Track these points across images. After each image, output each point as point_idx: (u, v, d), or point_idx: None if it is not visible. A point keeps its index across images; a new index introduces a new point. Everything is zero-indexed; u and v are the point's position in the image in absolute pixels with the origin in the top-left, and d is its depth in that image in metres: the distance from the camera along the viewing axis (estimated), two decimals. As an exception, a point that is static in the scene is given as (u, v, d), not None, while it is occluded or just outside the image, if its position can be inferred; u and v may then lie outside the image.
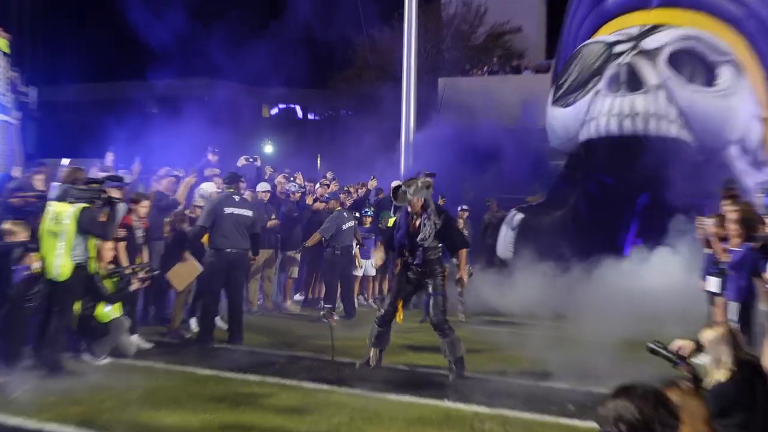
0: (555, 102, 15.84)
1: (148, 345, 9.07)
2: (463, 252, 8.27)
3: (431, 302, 7.95)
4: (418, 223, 7.94)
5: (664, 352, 4.29)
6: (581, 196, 15.14)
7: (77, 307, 8.16)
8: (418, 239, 7.94)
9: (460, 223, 14.36)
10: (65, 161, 11.56)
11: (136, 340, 8.94)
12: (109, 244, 8.53)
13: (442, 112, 20.78)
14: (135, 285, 8.69)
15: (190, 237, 9.79)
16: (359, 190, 12.91)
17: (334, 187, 12.61)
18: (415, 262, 8.01)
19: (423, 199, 7.96)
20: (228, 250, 9.37)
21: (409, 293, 8.31)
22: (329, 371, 8.04)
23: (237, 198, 9.65)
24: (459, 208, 14.74)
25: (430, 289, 7.99)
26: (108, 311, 8.27)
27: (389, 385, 7.47)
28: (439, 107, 21.69)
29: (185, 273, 9.49)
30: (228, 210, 9.44)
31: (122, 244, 8.94)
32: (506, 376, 8.13)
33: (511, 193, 17.11)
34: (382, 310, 8.28)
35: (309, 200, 12.33)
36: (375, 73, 27.90)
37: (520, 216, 14.98)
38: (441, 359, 8.43)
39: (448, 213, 8.23)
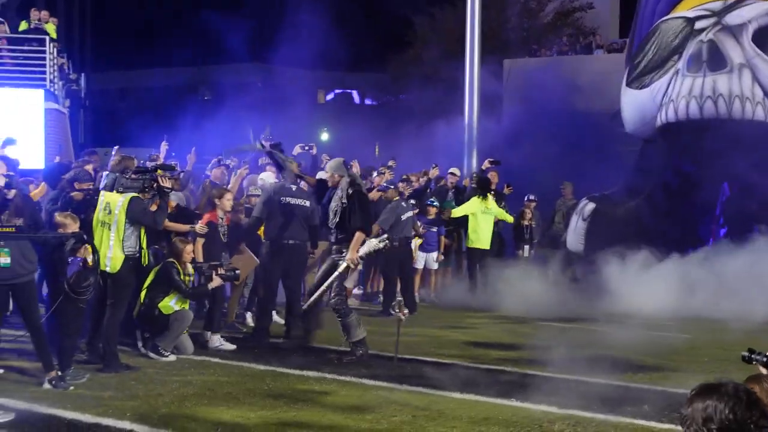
0: (629, 83, 15.62)
1: (230, 346, 9.13)
2: (358, 235, 8.29)
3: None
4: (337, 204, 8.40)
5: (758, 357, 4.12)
6: (658, 184, 14.93)
7: (142, 296, 8.42)
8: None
9: (528, 214, 14.27)
10: (115, 149, 11.84)
11: (217, 341, 9.10)
12: (190, 245, 8.77)
13: (507, 95, 20.64)
14: (215, 283, 8.87)
15: (246, 229, 9.93)
16: (420, 179, 12.94)
17: (388, 176, 12.63)
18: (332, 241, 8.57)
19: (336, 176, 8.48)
20: (286, 242, 9.45)
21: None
22: (390, 368, 8.13)
23: (294, 187, 9.70)
24: (526, 198, 14.68)
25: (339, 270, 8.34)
26: (173, 305, 8.50)
27: (453, 383, 7.52)
28: (503, 90, 21.55)
29: (242, 266, 9.66)
30: (285, 200, 9.51)
31: (199, 241, 9.10)
32: (577, 375, 8.09)
33: (580, 180, 16.92)
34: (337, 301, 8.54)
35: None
36: (436, 55, 27.84)
37: (591, 206, 14.81)
38: (508, 357, 8.49)
39: (359, 189, 8.53)
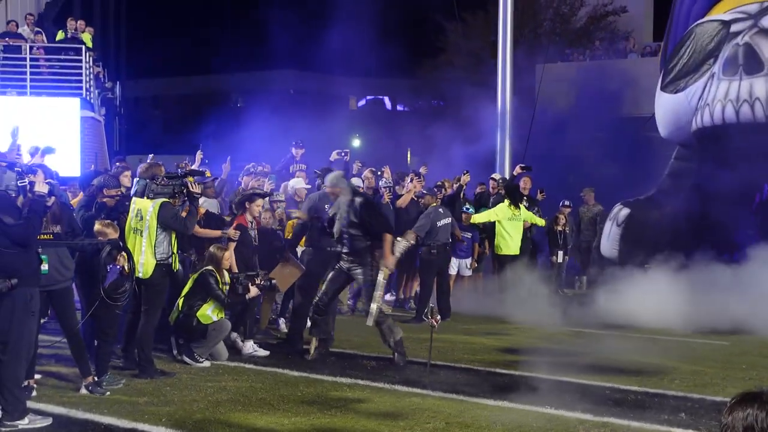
0: (664, 87, 15.50)
1: (264, 352, 9.19)
2: (388, 237, 8.53)
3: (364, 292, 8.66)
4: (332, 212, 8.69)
5: None
6: (693, 190, 14.78)
7: (180, 304, 8.50)
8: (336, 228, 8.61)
9: (561, 219, 14.21)
10: (150, 157, 11.98)
11: (250, 347, 9.17)
12: (228, 252, 8.87)
13: (540, 100, 20.55)
14: (253, 292, 8.95)
15: (293, 236, 10.04)
16: (453, 185, 12.92)
17: (418, 185, 12.55)
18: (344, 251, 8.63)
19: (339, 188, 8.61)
20: (329, 249, 9.54)
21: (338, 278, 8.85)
22: (423, 374, 8.11)
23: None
24: (561, 204, 14.60)
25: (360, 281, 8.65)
26: (210, 314, 8.57)
27: (487, 390, 7.51)
28: (536, 95, 21.49)
29: (288, 274, 9.72)
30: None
31: (231, 246, 9.17)
32: (613, 382, 8.03)
33: (616, 187, 16.79)
34: (321, 299, 8.79)
35: (387, 196, 12.33)
36: (468, 61, 27.81)
37: (626, 211, 14.71)
38: (543, 364, 8.46)
39: (366, 197, 8.84)
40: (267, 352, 9.16)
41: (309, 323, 9.32)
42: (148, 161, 11.19)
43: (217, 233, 9.17)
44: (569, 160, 18.58)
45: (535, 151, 17.28)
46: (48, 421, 6.38)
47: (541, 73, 20.80)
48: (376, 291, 8.49)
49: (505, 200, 12.45)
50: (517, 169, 13.79)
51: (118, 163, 11.01)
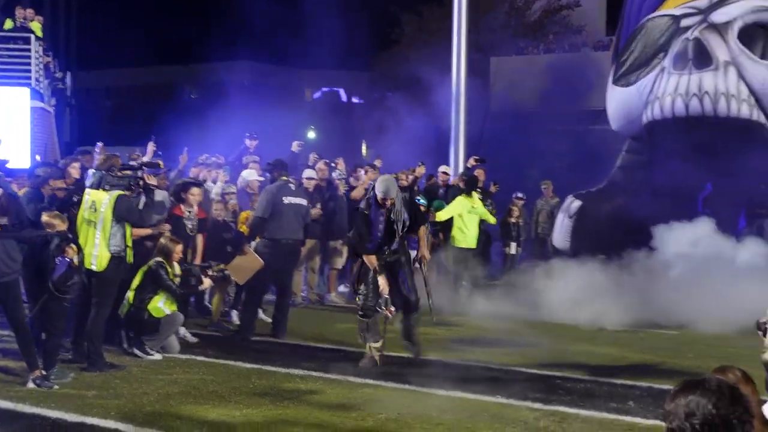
0: (616, 81, 15.69)
1: (193, 339, 9.29)
2: (423, 230, 8.90)
3: (405, 280, 8.47)
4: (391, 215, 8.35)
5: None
6: (644, 183, 14.99)
7: (130, 297, 8.41)
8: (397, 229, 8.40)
9: (515, 212, 14.33)
10: (99, 146, 11.83)
11: (182, 332, 9.17)
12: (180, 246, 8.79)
13: (495, 92, 20.71)
14: (206, 284, 8.90)
15: (251, 229, 10.00)
16: (408, 177, 12.95)
17: (372, 175, 12.59)
18: (392, 248, 8.50)
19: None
20: (284, 240, 9.56)
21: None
22: (376, 366, 8.14)
23: (293, 186, 9.86)
24: (514, 196, 14.71)
25: (404, 268, 8.52)
26: (162, 306, 8.49)
27: (438, 381, 7.54)
28: (490, 88, 21.63)
29: (247, 267, 9.67)
30: (286, 200, 9.63)
31: (200, 240, 9.18)
32: (562, 371, 8.13)
33: (568, 179, 16.98)
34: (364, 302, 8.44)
35: (342, 187, 12.35)
36: (423, 53, 27.86)
37: (577, 203, 14.87)
38: (494, 354, 8.55)
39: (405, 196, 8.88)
40: (196, 339, 9.28)
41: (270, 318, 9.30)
42: (97, 150, 11.08)
43: (148, 231, 9.04)
44: (524, 153, 18.75)
45: (489, 143, 17.42)
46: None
47: (496, 66, 20.97)
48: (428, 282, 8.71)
49: (464, 193, 12.49)
50: (471, 162, 13.87)
51: (80, 156, 10.84)
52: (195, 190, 9.61)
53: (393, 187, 8.23)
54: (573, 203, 14.94)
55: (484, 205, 12.79)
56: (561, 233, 14.81)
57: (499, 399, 7.01)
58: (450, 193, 13.28)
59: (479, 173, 13.40)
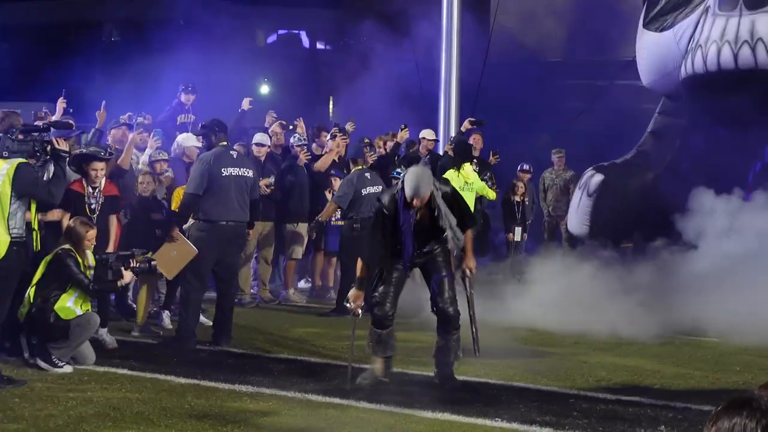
0: (647, 24, 15.71)
1: (113, 344, 9.32)
2: (469, 233, 8.37)
3: (439, 285, 8.11)
4: (426, 214, 8.02)
5: None
6: (682, 151, 15.06)
7: (31, 294, 8.34)
8: (441, 227, 8.04)
9: (520, 188, 14.35)
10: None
11: (104, 335, 9.19)
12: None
13: (496, 37, 20.65)
14: (127, 278, 8.86)
15: (181, 209, 9.93)
16: (387, 144, 12.93)
17: (341, 141, 12.56)
18: (424, 250, 8.21)
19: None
20: (224, 222, 9.48)
21: (402, 280, 8.30)
22: (344, 380, 8.15)
23: (234, 154, 9.78)
24: (518, 168, 14.71)
25: (441, 271, 8.16)
26: (71, 306, 8.44)
27: (424, 400, 7.56)
28: (489, 32, 21.58)
29: (177, 257, 9.60)
30: (226, 171, 9.55)
31: (115, 225, 9.23)
32: (577, 389, 8.18)
33: (587, 147, 17.01)
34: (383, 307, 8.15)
35: (303, 157, 12.33)
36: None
37: (598, 177, 14.90)
38: (493, 367, 8.57)
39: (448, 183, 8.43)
40: (114, 343, 9.31)
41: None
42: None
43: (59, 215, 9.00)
44: (531, 113, 18.74)
45: (488, 102, 17.37)
46: None
47: (496, 4, 20.91)
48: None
49: (455, 165, 12.46)
50: (466, 125, 13.85)
51: None
52: (99, 165, 9.52)
53: (426, 184, 7.84)
54: (593, 178, 14.98)
55: (482, 179, 12.80)
56: (577, 215, 14.86)
57: (499, 423, 7.05)
58: (439, 164, 13.27)
59: (475, 139, 13.42)
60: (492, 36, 19.43)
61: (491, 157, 14.15)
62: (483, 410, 7.33)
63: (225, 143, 9.83)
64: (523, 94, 18.83)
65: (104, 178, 9.67)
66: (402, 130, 13.63)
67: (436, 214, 7.96)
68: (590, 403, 7.71)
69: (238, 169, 9.68)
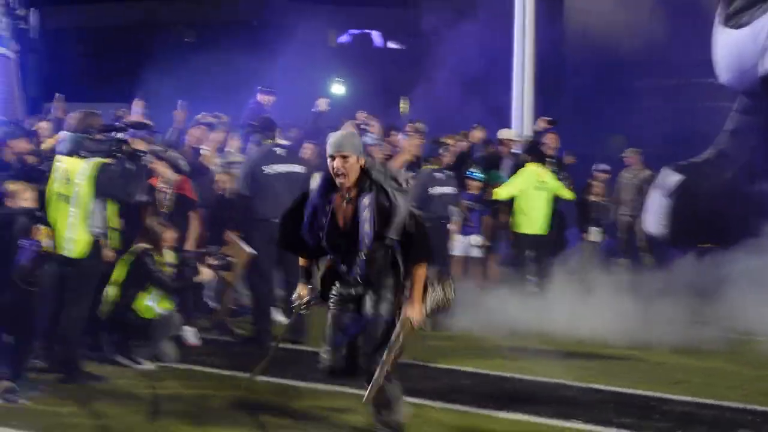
0: (725, 21, 15.48)
1: (196, 341, 9.52)
2: (420, 269, 6.07)
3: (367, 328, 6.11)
4: (351, 209, 6.01)
5: None
6: (759, 150, 14.81)
7: (113, 293, 8.50)
8: (360, 237, 5.97)
9: (597, 188, 14.15)
10: (57, 98, 11.88)
11: (186, 333, 9.37)
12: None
13: (571, 37, 20.52)
14: (205, 275, 8.98)
15: (234, 211, 10.03)
16: (459, 143, 12.85)
17: (415, 140, 12.52)
18: (353, 274, 6.14)
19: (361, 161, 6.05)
20: (275, 220, 9.53)
21: (352, 323, 6.20)
22: (420, 380, 8.17)
23: (281, 152, 9.83)
24: (594, 168, 14.55)
25: (368, 308, 6.12)
26: (151, 304, 8.58)
27: (499, 400, 7.56)
28: (564, 31, 21.43)
29: (234, 259, 9.78)
30: (269, 169, 9.66)
31: (194, 223, 9.40)
32: (656, 391, 8.09)
33: (663, 147, 16.81)
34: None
35: (378, 155, 12.34)
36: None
37: (677, 177, 14.71)
38: (569, 368, 8.54)
39: (400, 189, 6.03)
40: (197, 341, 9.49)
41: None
42: (54, 104, 11.19)
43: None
44: (608, 115, 18.58)
45: (564, 102, 17.26)
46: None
47: (570, 4, 20.77)
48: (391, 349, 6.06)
49: (529, 164, 12.37)
50: (541, 124, 13.73)
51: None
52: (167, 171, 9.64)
53: (353, 144, 6.04)
54: (671, 177, 14.77)
55: (558, 179, 12.66)
56: (655, 215, 14.65)
57: (576, 424, 7.00)
58: (513, 164, 13.17)
59: (551, 139, 13.25)
60: (567, 34, 19.29)
61: (566, 158, 14.01)
62: (559, 411, 7.30)
63: (271, 141, 9.90)
64: (598, 93, 18.67)
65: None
66: (475, 129, 13.60)
67: (350, 217, 5.99)
68: (668, 406, 7.63)
69: (285, 166, 9.73)
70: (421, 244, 6.07)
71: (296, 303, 6.44)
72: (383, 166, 6.28)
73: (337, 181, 5.93)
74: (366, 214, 5.90)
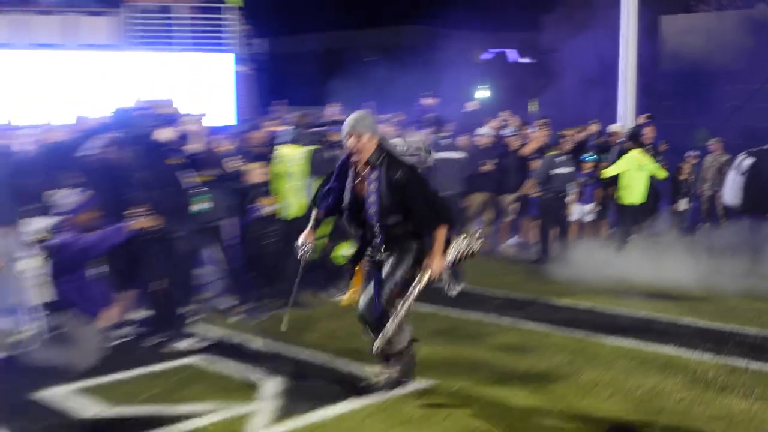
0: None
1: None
2: (438, 233, 5.33)
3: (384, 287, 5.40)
4: (366, 184, 5.30)
5: None
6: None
7: (320, 244, 8.74)
8: (369, 211, 5.29)
9: (686, 169, 13.64)
10: (281, 103, 12.12)
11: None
12: None
13: (665, 51, 19.72)
14: None
15: None
16: (577, 134, 12.58)
17: (544, 131, 12.30)
18: (374, 242, 5.43)
19: (374, 140, 5.26)
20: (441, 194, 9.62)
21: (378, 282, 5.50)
22: (546, 313, 8.12)
23: (446, 142, 9.87)
24: (686, 155, 14.02)
25: (385, 271, 5.40)
26: (344, 254, 8.78)
27: (608, 330, 7.43)
28: (659, 47, 20.61)
29: None
30: (437, 155, 9.68)
31: None
32: (734, 324, 7.78)
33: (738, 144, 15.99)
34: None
35: (515, 144, 12.22)
36: (589, 13, 26.86)
37: (749, 160, 14.01)
38: (664, 307, 8.32)
39: (410, 167, 5.32)
40: None
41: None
42: (275, 109, 11.47)
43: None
44: (696, 112, 17.83)
45: (660, 101, 16.68)
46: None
47: (665, 25, 19.95)
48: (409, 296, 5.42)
49: (631, 150, 12.06)
50: (641, 119, 13.34)
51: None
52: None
53: (366, 123, 5.23)
54: (745, 160, 14.08)
55: (654, 161, 12.29)
56: (731, 190, 13.99)
57: (668, 349, 6.84)
58: (619, 150, 12.81)
59: (649, 130, 12.85)
60: (663, 46, 18.54)
61: (662, 146, 13.57)
62: (653, 339, 7.14)
63: (442, 134, 9.94)
64: (688, 95, 17.95)
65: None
66: (593, 123, 13.36)
67: (369, 189, 5.24)
68: (740, 337, 7.31)
69: (447, 153, 9.79)
70: (432, 215, 5.25)
71: (300, 247, 5.64)
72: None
73: (353, 158, 5.23)
74: (372, 188, 5.17)
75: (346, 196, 5.31)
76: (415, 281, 5.34)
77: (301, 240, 5.66)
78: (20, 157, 7.59)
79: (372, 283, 5.44)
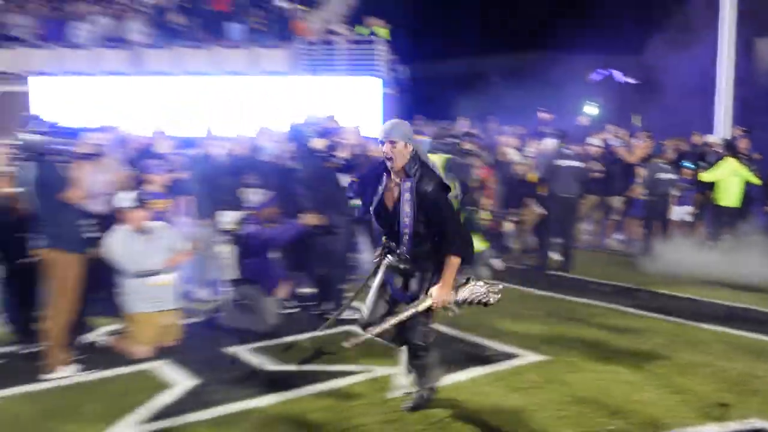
0: None
1: (501, 266, 9.39)
2: (453, 258, 4.31)
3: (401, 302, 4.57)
4: (398, 191, 4.40)
5: None
6: None
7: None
8: (400, 219, 4.37)
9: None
10: (419, 118, 11.98)
11: (491, 260, 9.23)
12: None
13: (758, 72, 18.36)
14: (506, 227, 9.02)
15: (529, 188, 9.95)
16: (678, 145, 11.94)
17: (647, 143, 11.70)
18: (399, 250, 4.48)
19: (409, 149, 4.37)
20: (562, 195, 9.41)
21: (394, 291, 4.59)
22: (647, 300, 7.74)
23: (568, 151, 9.61)
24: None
25: (405, 284, 4.52)
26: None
27: (706, 317, 7.01)
28: (754, 67, 19.20)
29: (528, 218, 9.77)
30: (561, 163, 9.49)
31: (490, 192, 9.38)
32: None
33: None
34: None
35: (622, 153, 11.69)
36: (688, 35, 25.37)
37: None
38: (758, 298, 7.76)
39: (441, 182, 4.34)
40: (502, 266, 9.23)
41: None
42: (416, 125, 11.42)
43: None
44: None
45: (755, 115, 15.55)
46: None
47: (761, 48, 18.55)
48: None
49: (727, 158, 11.30)
50: (737, 131, 12.47)
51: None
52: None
53: (402, 132, 4.35)
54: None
55: (749, 170, 11.47)
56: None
57: (761, 337, 6.36)
58: (717, 160, 12.02)
59: (743, 142, 11.99)
60: (757, 64, 17.24)
61: (755, 155, 12.63)
62: (748, 327, 6.66)
63: (563, 144, 9.66)
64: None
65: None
66: (695, 135, 12.65)
67: (396, 199, 4.37)
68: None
69: (569, 161, 9.48)
70: (451, 239, 4.30)
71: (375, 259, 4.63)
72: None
73: (387, 164, 4.36)
74: (407, 196, 4.29)
75: (375, 199, 4.45)
76: (417, 301, 4.41)
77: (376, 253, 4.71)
78: (217, 162, 7.93)
79: (383, 298, 4.59)
